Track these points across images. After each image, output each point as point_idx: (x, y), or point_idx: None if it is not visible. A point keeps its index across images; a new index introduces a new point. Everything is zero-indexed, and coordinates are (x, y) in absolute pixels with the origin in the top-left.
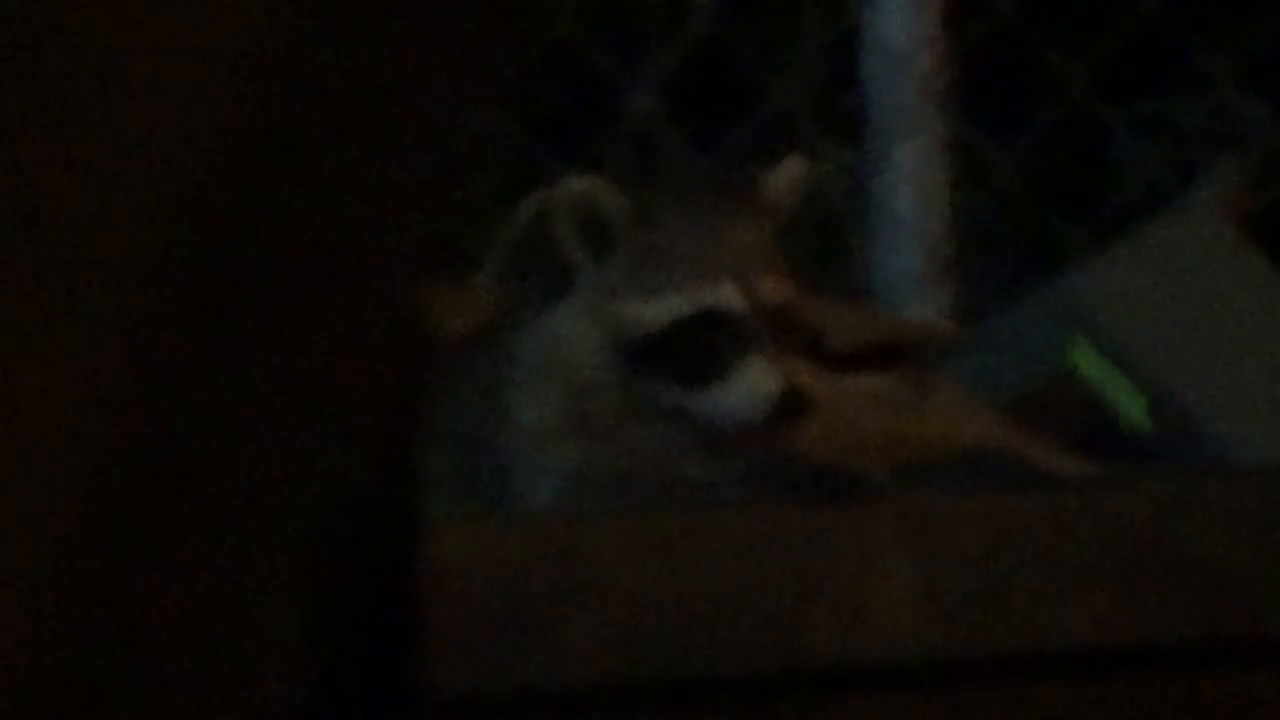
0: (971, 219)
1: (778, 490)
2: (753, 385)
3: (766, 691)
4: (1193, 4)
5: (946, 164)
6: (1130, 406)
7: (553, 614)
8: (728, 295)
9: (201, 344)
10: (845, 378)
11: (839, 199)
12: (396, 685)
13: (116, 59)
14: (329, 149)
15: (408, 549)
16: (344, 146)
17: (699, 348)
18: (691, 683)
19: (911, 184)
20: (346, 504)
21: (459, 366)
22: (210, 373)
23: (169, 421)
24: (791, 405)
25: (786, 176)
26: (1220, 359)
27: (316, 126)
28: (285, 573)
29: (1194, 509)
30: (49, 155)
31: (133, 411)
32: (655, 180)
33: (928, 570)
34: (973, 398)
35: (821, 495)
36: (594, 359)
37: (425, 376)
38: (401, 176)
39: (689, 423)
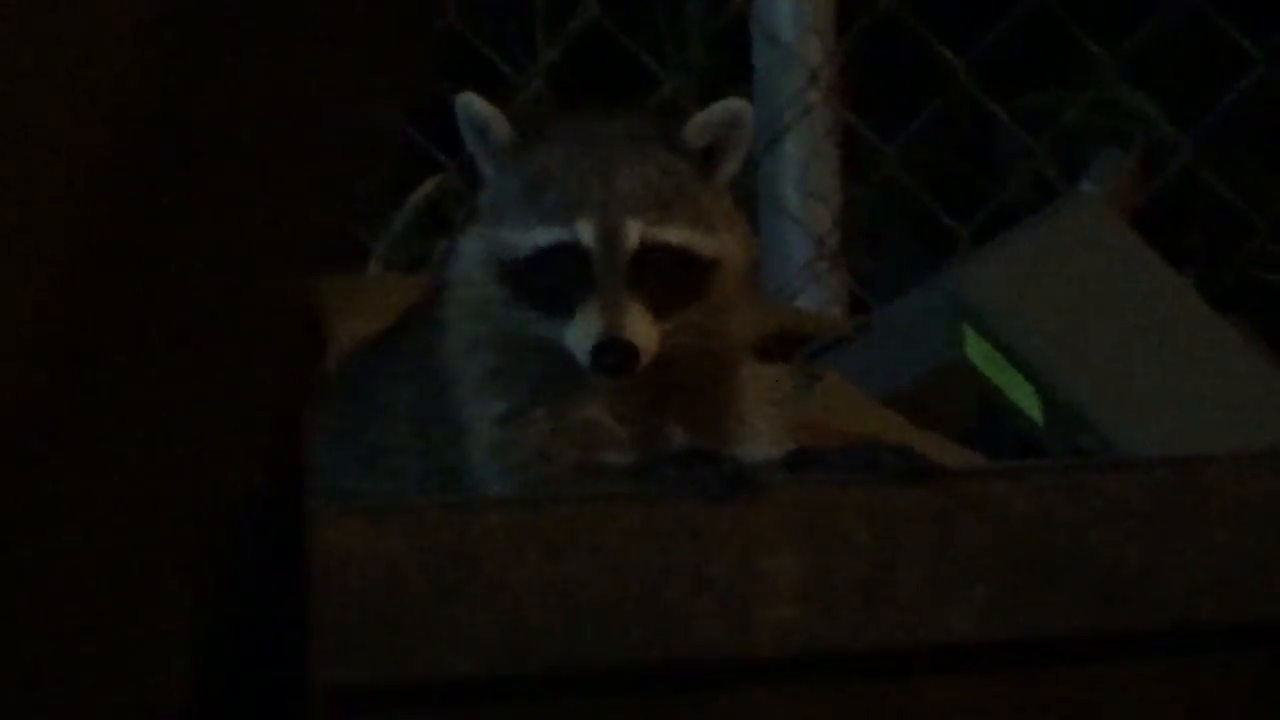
0: (858, 211)
1: (673, 478)
2: (580, 330)
3: (653, 683)
4: None
5: (834, 155)
6: (1019, 398)
7: (439, 607)
8: (585, 233)
9: (95, 342)
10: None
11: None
12: (286, 678)
13: (10, 59)
14: (222, 149)
15: (297, 544)
16: (238, 144)
17: (553, 281)
18: (578, 675)
19: (800, 175)
20: (236, 500)
21: (393, 352)
22: (103, 369)
23: (59, 419)
24: (616, 355)
25: (710, 118)
26: (1108, 351)
27: (211, 125)
28: (176, 569)
29: (1081, 502)
30: None
31: (25, 405)
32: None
33: (813, 563)
34: (858, 389)
35: (712, 485)
36: (484, 280)
37: (313, 372)
38: (295, 173)
39: (554, 348)
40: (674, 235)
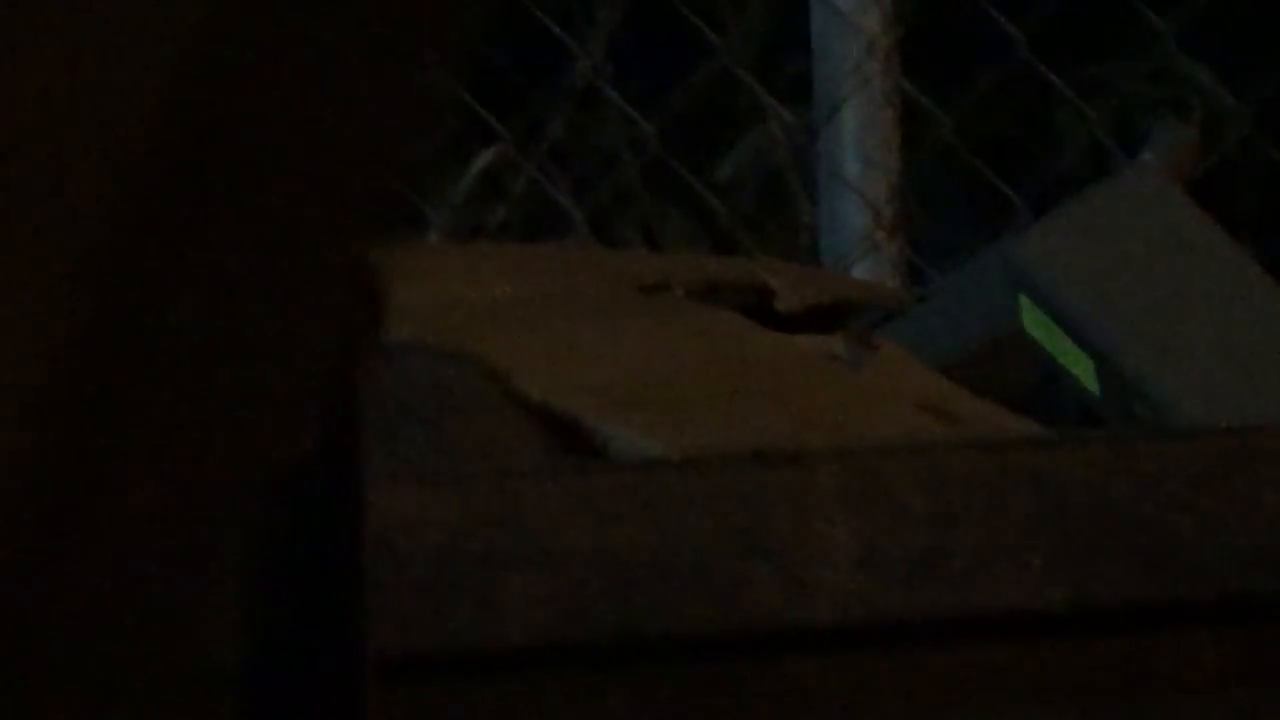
0: (915, 180)
1: None
2: None
3: (706, 652)
4: None
5: (893, 124)
6: (1074, 368)
7: (492, 574)
8: None
9: (144, 310)
10: (791, 338)
11: (786, 159)
12: (338, 646)
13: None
14: (271, 116)
15: (352, 510)
16: (286, 106)
17: None
18: (630, 643)
19: (858, 144)
20: (290, 467)
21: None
22: (151, 332)
23: (108, 381)
24: None
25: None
26: (1165, 321)
27: (257, 88)
28: (228, 538)
29: (1137, 471)
30: None
31: (68, 372)
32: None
33: (868, 530)
34: (915, 358)
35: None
36: None
37: (369, 341)
38: (347, 136)
39: None
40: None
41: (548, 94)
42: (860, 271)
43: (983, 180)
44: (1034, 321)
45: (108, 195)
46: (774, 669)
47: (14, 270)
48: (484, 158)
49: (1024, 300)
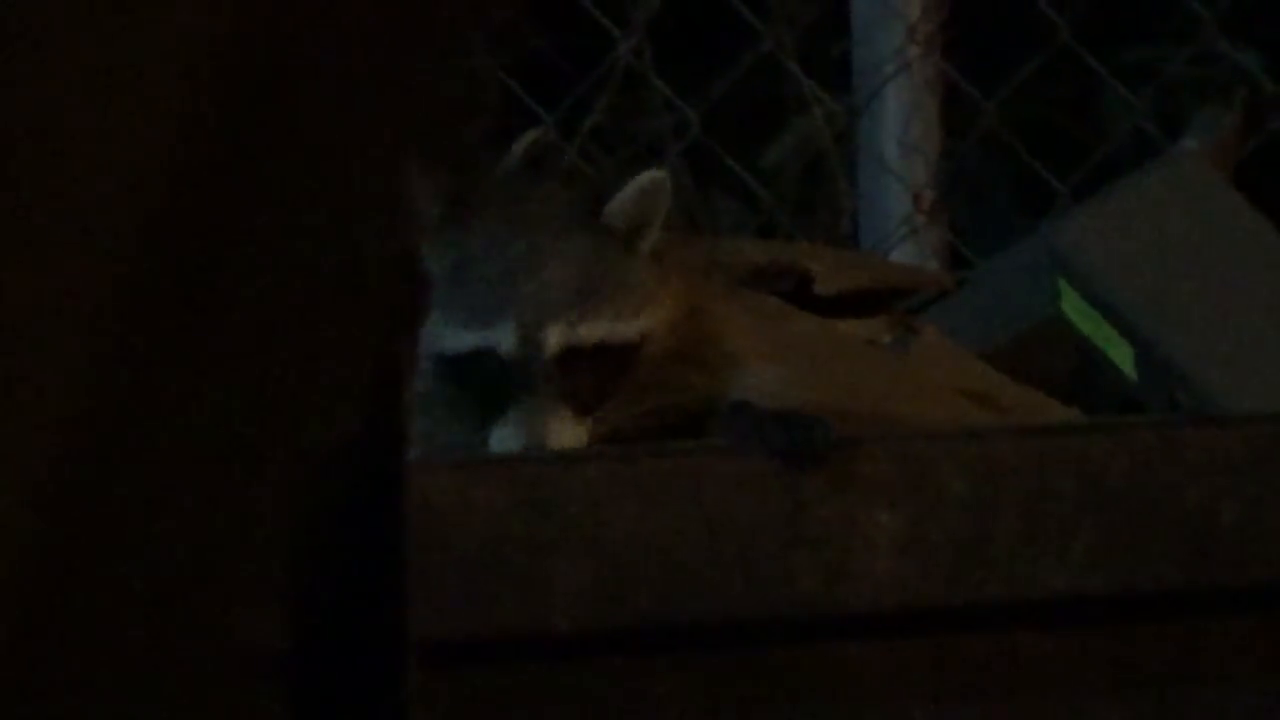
0: (959, 165)
1: (753, 440)
2: (507, 438)
3: (749, 637)
4: None
5: (933, 109)
6: (1114, 354)
7: (535, 559)
8: (504, 340)
9: (191, 292)
10: (832, 322)
11: (827, 144)
12: (381, 629)
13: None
14: (321, 96)
15: (394, 493)
16: (334, 90)
17: (474, 385)
18: (674, 628)
19: (899, 129)
20: (335, 450)
21: None
22: (200, 321)
23: (157, 367)
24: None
25: (630, 194)
26: (1206, 307)
27: (301, 74)
28: (274, 517)
29: (1180, 458)
30: (34, 128)
31: (121, 353)
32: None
33: (910, 517)
34: (956, 343)
35: (791, 447)
36: (418, 375)
37: (414, 324)
38: (390, 119)
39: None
40: (596, 332)
41: (590, 78)
42: (900, 255)
43: (1025, 166)
44: (1075, 307)
45: (144, 195)
46: (815, 655)
47: (65, 243)
48: (526, 140)
49: (1065, 286)
